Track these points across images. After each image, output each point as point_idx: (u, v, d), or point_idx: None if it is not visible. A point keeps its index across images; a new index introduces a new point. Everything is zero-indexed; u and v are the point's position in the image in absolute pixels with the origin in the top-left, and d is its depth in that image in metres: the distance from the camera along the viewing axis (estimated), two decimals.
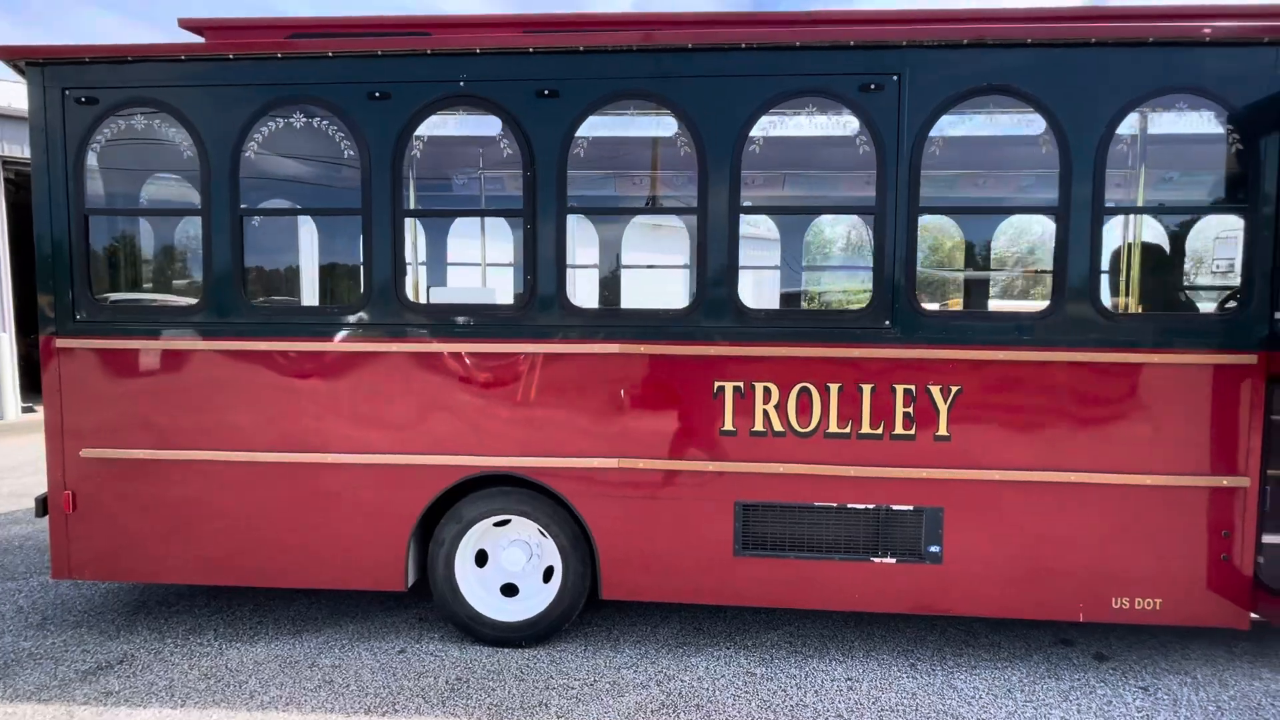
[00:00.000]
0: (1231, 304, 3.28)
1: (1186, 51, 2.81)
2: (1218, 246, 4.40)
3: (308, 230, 4.70)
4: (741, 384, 3.03)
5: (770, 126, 3.03)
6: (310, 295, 4.78)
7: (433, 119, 3.12)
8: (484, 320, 3.15)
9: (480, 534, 3.29)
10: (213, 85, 3.15)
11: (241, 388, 3.20)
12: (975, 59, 2.87)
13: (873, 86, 2.90)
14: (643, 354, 3.06)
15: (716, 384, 3.05)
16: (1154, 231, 4.27)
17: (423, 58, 3.06)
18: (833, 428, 3.01)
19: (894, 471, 3.00)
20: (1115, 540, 2.95)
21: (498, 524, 3.30)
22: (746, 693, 2.89)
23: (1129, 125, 3.05)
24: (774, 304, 5.36)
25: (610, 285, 5.10)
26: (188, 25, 3.86)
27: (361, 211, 3.13)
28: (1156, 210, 4.38)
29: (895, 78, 2.89)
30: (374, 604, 3.70)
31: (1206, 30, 2.77)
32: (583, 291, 3.17)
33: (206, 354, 3.21)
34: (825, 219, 6.18)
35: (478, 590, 3.32)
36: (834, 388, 2.99)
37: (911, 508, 3.00)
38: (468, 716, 2.71)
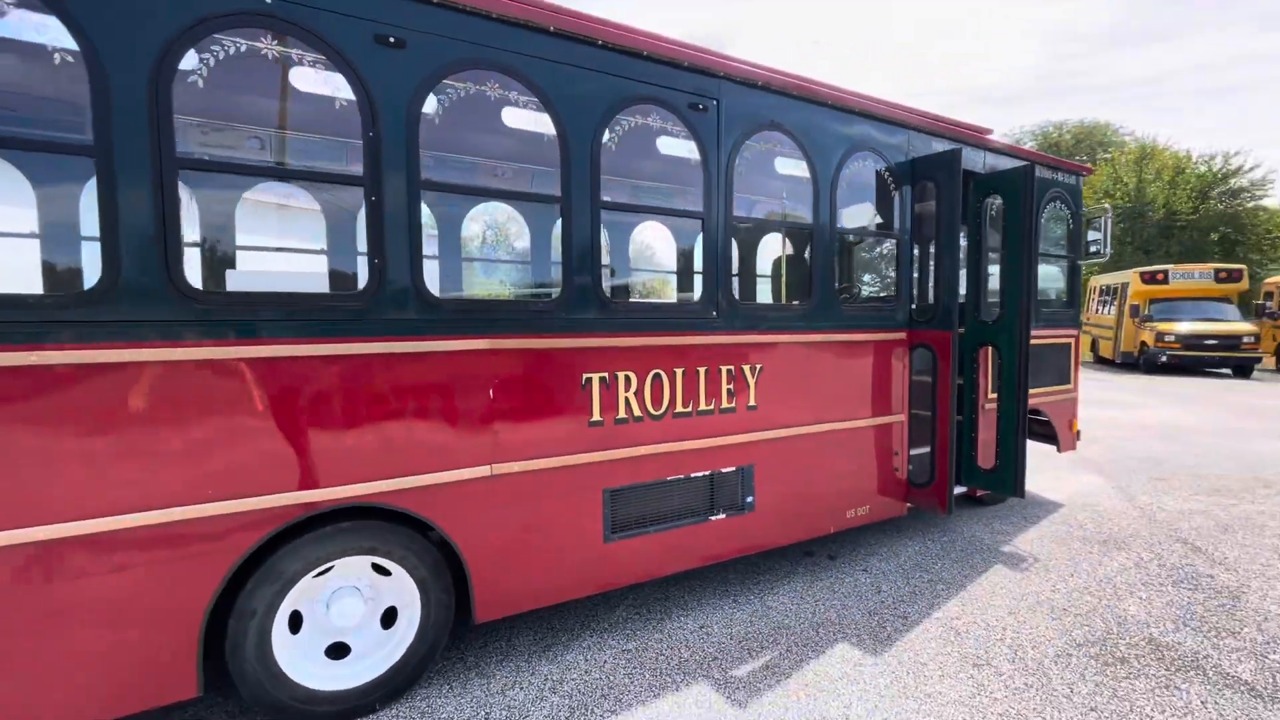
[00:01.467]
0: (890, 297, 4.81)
1: (880, 125, 4.06)
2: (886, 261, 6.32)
3: None
4: (607, 374, 3.11)
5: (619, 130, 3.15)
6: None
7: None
8: (312, 316, 2.44)
9: (299, 592, 2.56)
10: None
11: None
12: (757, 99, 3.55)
13: (700, 107, 3.32)
14: (514, 349, 2.85)
15: (584, 376, 3.06)
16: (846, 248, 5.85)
17: None
18: (679, 408, 3.35)
19: (721, 440, 3.52)
20: (847, 469, 4.09)
21: (318, 574, 2.61)
22: (633, 666, 3.03)
23: (848, 171, 4.15)
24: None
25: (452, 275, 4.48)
26: None
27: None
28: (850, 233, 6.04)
29: (715, 102, 3.37)
30: None
31: (906, 115, 4.06)
32: (430, 282, 2.72)
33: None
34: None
35: (302, 662, 2.58)
36: (679, 372, 3.34)
37: (734, 468, 3.57)
38: None
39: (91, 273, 2.11)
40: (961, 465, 4.55)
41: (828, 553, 4.41)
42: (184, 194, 2.27)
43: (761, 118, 3.55)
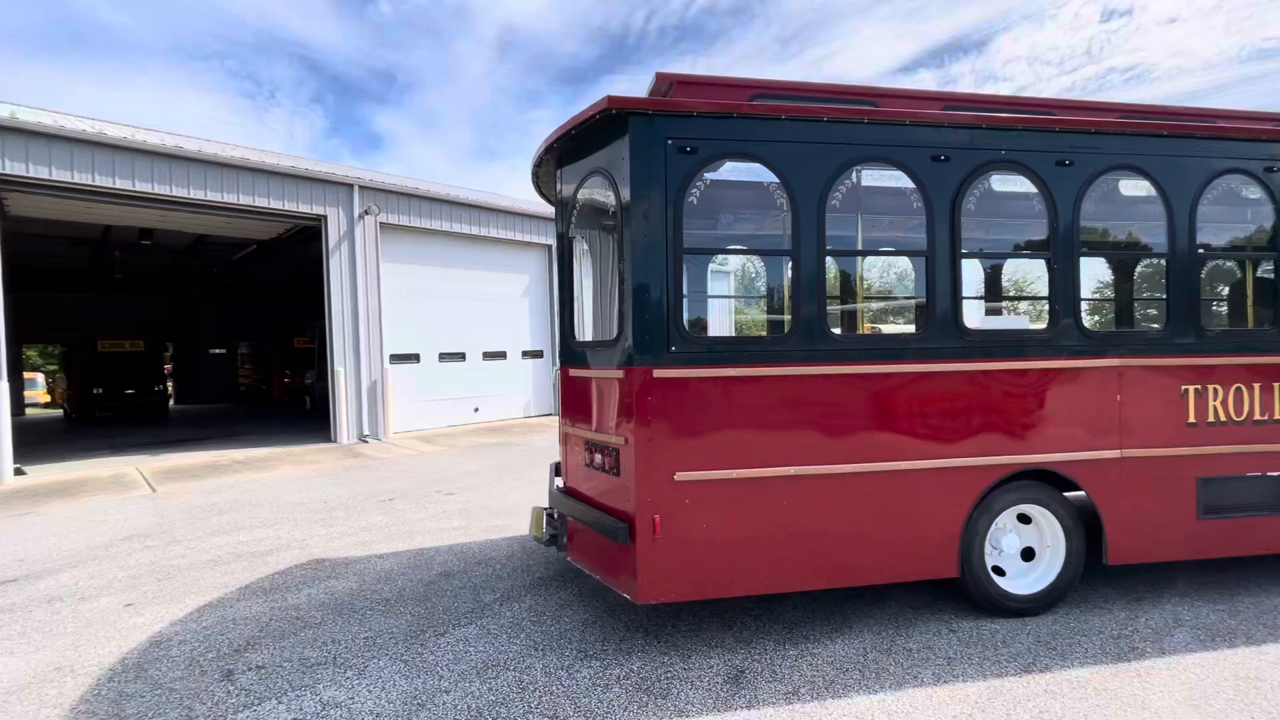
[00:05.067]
0: None
1: None
2: None
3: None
4: (1200, 386, 3.99)
5: None
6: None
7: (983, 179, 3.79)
8: (1022, 342, 3.83)
9: (994, 525, 3.90)
10: (803, 142, 3.56)
11: (820, 408, 3.58)
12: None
13: None
14: (1137, 366, 3.92)
15: (1182, 387, 3.98)
16: None
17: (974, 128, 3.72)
18: (1258, 415, 4.05)
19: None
20: None
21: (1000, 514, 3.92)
22: (1224, 624, 3.78)
23: None
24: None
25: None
26: (665, 78, 4.17)
27: (925, 253, 3.70)
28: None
29: None
30: (855, 601, 4.11)
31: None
32: (1086, 318, 3.94)
33: (792, 379, 3.55)
34: None
35: (990, 572, 3.91)
36: (1257, 386, 4.05)
37: None
38: (1071, 667, 3.32)
39: (916, 324, 3.73)
40: None
41: None
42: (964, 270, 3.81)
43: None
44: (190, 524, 6.60)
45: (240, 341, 27.63)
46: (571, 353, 4.06)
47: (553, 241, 16.39)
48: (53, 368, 30.80)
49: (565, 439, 4.15)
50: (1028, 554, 4.05)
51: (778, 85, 4.26)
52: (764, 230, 4.74)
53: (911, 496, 3.67)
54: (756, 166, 3.65)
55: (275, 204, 11.90)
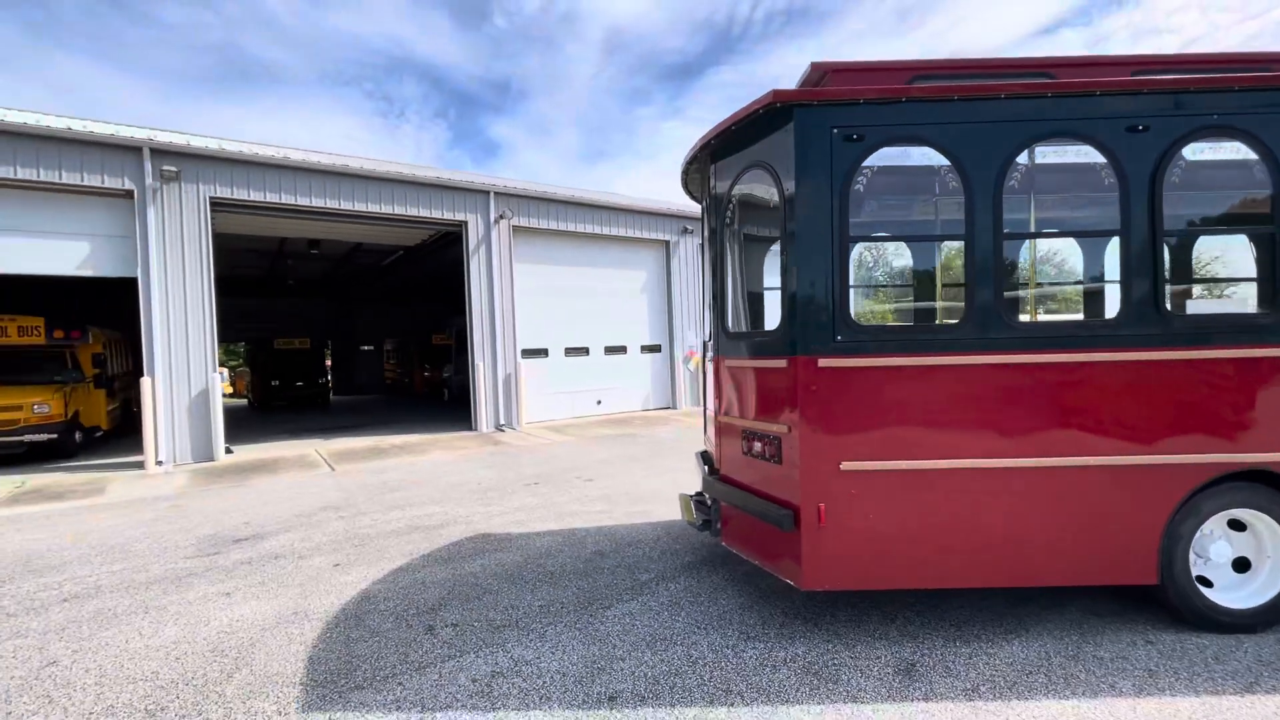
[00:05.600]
0: None
1: None
2: None
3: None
4: None
5: None
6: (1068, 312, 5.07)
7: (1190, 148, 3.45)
8: (1234, 328, 3.44)
9: (1201, 530, 3.53)
10: (978, 122, 3.43)
11: (995, 399, 3.42)
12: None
13: None
14: None
15: None
16: None
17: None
18: None
19: None
20: None
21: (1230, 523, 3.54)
22: None
23: None
24: None
25: None
26: (819, 67, 4.16)
27: (1121, 232, 3.43)
28: None
29: None
30: (1028, 604, 3.88)
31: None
32: None
33: (964, 369, 3.43)
34: None
35: (1197, 583, 3.54)
36: None
37: None
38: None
39: (1115, 307, 3.46)
40: None
41: None
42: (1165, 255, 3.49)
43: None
44: (369, 499, 7.46)
45: (386, 339, 30.50)
46: (727, 343, 4.16)
47: (670, 237, 16.64)
48: (234, 363, 35.70)
49: (721, 428, 4.26)
50: (1241, 565, 3.63)
51: (938, 65, 4.10)
52: (931, 215, 4.57)
53: (1101, 495, 3.41)
54: (921, 150, 3.56)
55: (423, 212, 13.04)
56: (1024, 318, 4.86)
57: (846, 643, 3.54)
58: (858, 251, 4.90)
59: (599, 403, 15.65)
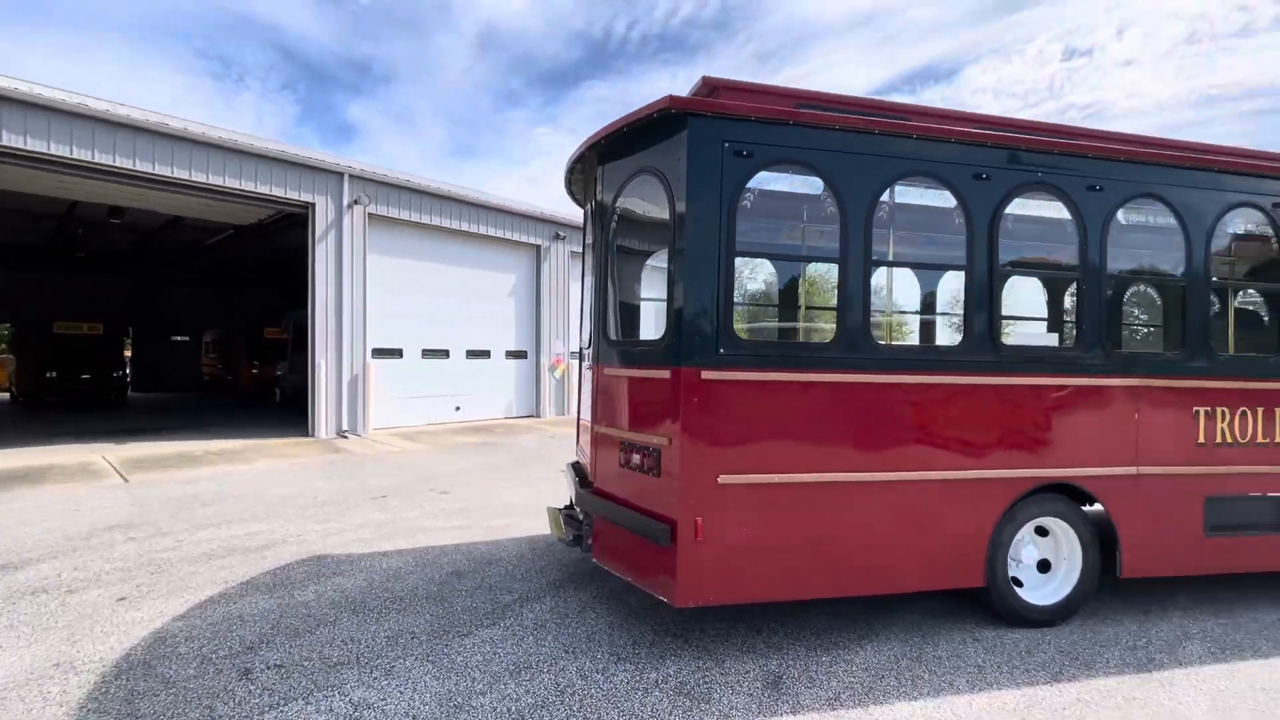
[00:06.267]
0: None
1: None
2: None
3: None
4: (1210, 408, 4.16)
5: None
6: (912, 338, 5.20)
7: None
8: (1050, 359, 3.93)
9: (1019, 537, 3.98)
10: (854, 153, 3.61)
11: (862, 416, 3.61)
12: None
13: None
14: (1155, 387, 4.06)
15: (1198, 408, 4.14)
16: None
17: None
18: (1260, 439, 4.24)
19: None
20: None
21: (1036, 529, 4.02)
22: (1214, 638, 3.94)
23: None
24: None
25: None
26: (710, 82, 4.18)
27: (966, 268, 3.78)
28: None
29: None
30: (877, 610, 4.15)
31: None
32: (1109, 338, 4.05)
33: (835, 386, 3.57)
34: None
35: (1013, 584, 3.99)
36: (1260, 410, 4.24)
37: None
38: (1096, 676, 3.42)
39: (956, 337, 3.80)
40: None
41: None
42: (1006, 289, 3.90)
43: None
44: (173, 516, 6.30)
45: (207, 330, 26.63)
46: (608, 352, 4.02)
47: (541, 242, 16.29)
48: None
49: (595, 439, 4.10)
50: (1043, 566, 4.14)
51: (821, 96, 4.29)
52: (801, 239, 4.79)
53: (946, 506, 3.72)
54: (801, 176, 3.69)
55: (261, 188, 11.53)
56: (886, 341, 5.25)
57: (716, 658, 3.51)
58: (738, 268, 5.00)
59: (458, 409, 14.81)
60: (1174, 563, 4.17)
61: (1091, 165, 3.97)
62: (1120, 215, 4.06)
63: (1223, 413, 4.19)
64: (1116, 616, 4.17)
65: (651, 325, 4.35)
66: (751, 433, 3.47)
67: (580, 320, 5.12)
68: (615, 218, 4.08)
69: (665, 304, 3.53)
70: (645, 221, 4.08)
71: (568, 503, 5.14)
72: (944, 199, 3.95)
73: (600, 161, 4.14)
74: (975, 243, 3.80)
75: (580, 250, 17.36)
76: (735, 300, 3.54)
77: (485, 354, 15.47)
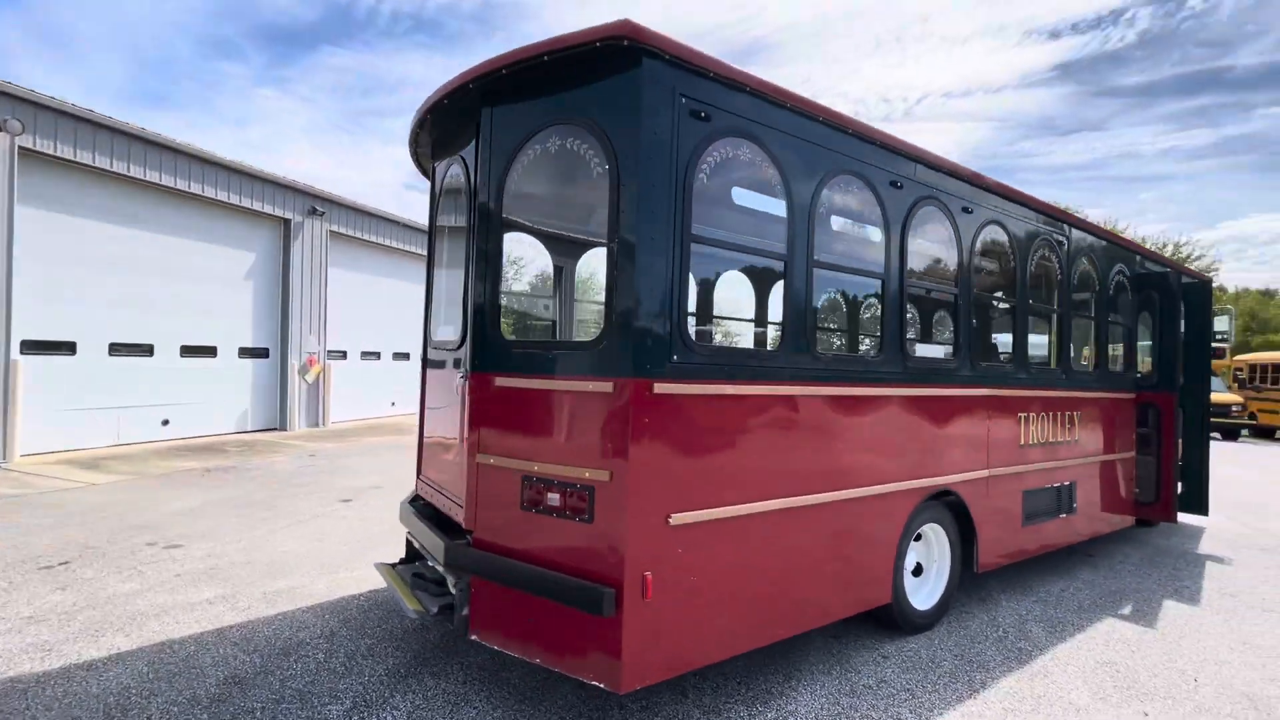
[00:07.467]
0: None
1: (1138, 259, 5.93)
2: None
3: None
4: (1029, 414, 4.76)
5: None
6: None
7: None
8: (941, 371, 4.04)
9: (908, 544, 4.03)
10: (799, 138, 3.21)
11: (832, 431, 3.28)
12: None
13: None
14: (999, 396, 4.48)
15: (1020, 414, 4.69)
16: None
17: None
18: (1049, 438, 5.00)
19: (1072, 463, 5.16)
20: (1109, 489, 5.77)
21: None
22: (1048, 613, 4.55)
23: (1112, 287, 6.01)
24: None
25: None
26: (634, 29, 3.40)
27: (882, 277, 3.66)
28: None
29: None
30: (780, 646, 3.85)
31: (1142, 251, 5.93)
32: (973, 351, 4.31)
33: (778, 399, 3.13)
34: None
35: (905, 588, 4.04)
36: (1054, 414, 5.01)
37: (1067, 483, 5.21)
38: (996, 678, 3.61)
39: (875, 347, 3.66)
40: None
41: (1086, 551, 6.05)
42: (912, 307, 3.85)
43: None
44: None
45: None
46: (497, 356, 3.00)
47: (293, 216, 13.44)
48: None
49: (476, 471, 3.04)
50: (915, 570, 4.29)
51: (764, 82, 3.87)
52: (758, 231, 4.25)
53: (874, 522, 3.57)
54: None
55: None
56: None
57: None
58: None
59: (166, 423, 11.28)
60: (1008, 554, 4.67)
61: (963, 188, 4.23)
62: (980, 237, 4.40)
63: (1032, 417, 4.84)
64: (968, 611, 4.51)
65: (572, 324, 3.44)
66: (705, 459, 2.84)
67: (426, 312, 3.90)
68: (506, 180, 3.08)
69: (604, 296, 2.70)
70: (562, 183, 3.17)
71: (404, 556, 3.91)
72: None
73: (488, 102, 3.10)
74: (891, 249, 3.72)
75: (343, 230, 14.67)
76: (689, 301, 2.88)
77: (209, 351, 12.09)
